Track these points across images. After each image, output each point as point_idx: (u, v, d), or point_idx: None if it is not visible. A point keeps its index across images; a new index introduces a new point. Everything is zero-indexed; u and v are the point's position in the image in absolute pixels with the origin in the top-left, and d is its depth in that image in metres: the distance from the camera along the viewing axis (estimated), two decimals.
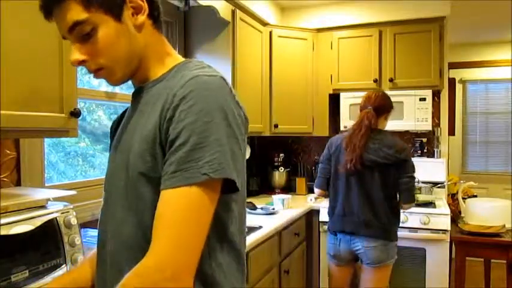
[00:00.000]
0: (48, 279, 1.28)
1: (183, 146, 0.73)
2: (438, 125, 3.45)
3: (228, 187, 0.78)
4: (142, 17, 0.86)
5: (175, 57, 0.93)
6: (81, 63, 0.85)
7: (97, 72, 0.86)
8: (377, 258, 2.28)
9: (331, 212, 2.47)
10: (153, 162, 0.78)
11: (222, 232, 0.84)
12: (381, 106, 2.39)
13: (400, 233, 2.77)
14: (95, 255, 0.97)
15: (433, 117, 3.25)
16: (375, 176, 2.29)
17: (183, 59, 0.93)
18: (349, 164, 2.29)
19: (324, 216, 3.02)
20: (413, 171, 2.31)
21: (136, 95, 0.92)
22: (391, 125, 3.16)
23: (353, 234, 2.32)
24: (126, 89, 2.40)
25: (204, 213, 0.74)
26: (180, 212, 0.72)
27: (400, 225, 2.79)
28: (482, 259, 3.48)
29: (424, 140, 3.44)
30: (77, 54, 0.83)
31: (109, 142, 1.03)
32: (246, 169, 0.87)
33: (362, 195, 2.31)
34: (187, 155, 0.73)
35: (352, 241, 2.33)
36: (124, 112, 1.02)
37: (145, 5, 0.86)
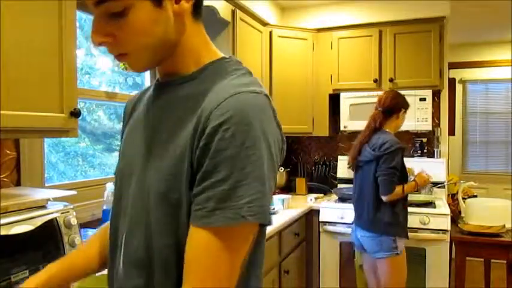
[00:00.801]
0: None
1: (224, 183, 0.67)
2: (438, 125, 3.45)
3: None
4: (186, 4, 0.75)
5: (212, 53, 0.82)
6: (102, 43, 0.74)
7: (119, 57, 0.76)
8: (371, 249, 2.46)
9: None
10: (174, 182, 0.72)
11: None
12: (389, 107, 2.51)
13: None
14: (104, 233, 0.93)
15: (433, 117, 3.25)
16: (363, 173, 2.51)
17: (219, 56, 0.83)
18: (349, 162, 2.61)
19: (324, 216, 3.03)
20: (389, 165, 2.37)
21: (162, 88, 0.83)
22: None
23: (356, 225, 2.57)
24: (126, 89, 2.40)
25: (238, 255, 0.70)
26: (216, 253, 0.68)
27: None
28: (482, 259, 3.47)
29: (424, 140, 3.44)
30: (99, 34, 0.72)
31: (121, 127, 0.95)
32: None
33: (356, 190, 2.58)
34: (227, 192, 0.67)
35: (356, 230, 2.57)
36: (141, 95, 0.93)
37: None
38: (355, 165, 2.56)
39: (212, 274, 0.68)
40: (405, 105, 2.55)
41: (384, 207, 2.41)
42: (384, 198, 2.39)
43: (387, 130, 2.50)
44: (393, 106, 2.51)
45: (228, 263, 0.69)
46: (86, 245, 1.02)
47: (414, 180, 2.55)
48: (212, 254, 0.68)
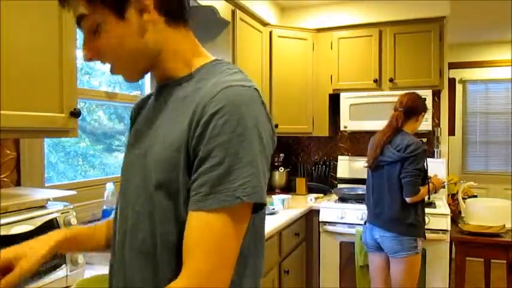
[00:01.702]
0: (48, 279, 1.28)
1: (217, 167, 0.71)
2: (438, 125, 3.45)
3: (254, 208, 0.76)
4: (148, 16, 0.79)
5: (203, 55, 0.87)
6: (92, 59, 0.83)
7: (111, 68, 0.85)
8: (391, 248, 2.43)
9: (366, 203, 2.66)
10: (172, 172, 0.76)
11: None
12: (410, 108, 2.52)
13: None
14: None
15: (433, 117, 3.25)
16: (385, 173, 2.47)
17: (211, 58, 0.87)
18: (369, 162, 2.55)
19: (324, 216, 3.03)
20: (415, 167, 2.39)
21: (162, 90, 0.88)
22: None
23: (372, 225, 2.53)
24: (126, 89, 2.40)
25: (236, 237, 0.73)
26: (214, 235, 0.71)
27: None
28: (482, 259, 3.47)
29: (424, 140, 3.43)
30: (86, 50, 0.82)
31: (129, 128, 1.01)
32: None
33: (374, 190, 2.54)
34: (221, 176, 0.70)
35: (372, 230, 2.54)
36: (146, 98, 0.99)
37: (150, 3, 0.79)
38: (375, 165, 2.51)
39: (212, 256, 0.71)
40: (425, 109, 2.59)
41: (407, 208, 2.41)
42: (408, 199, 2.39)
43: (407, 131, 2.51)
44: (415, 108, 2.52)
45: (227, 245, 0.72)
46: (96, 226, 1.07)
47: (431, 182, 2.56)
48: (211, 237, 0.71)
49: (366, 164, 2.59)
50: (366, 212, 2.63)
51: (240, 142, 0.71)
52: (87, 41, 0.81)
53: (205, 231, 0.71)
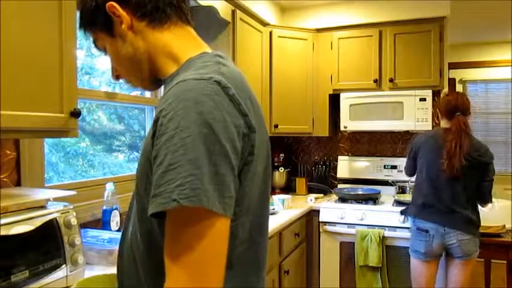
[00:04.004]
0: (48, 279, 1.28)
1: (160, 167, 0.66)
2: (438, 125, 3.44)
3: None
4: (124, 26, 0.84)
5: (190, 51, 0.86)
6: (118, 77, 0.94)
7: (125, 82, 0.95)
8: (469, 250, 2.42)
9: (421, 209, 2.51)
10: (146, 181, 0.74)
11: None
12: (467, 109, 2.57)
13: (401, 233, 2.78)
14: None
15: (433, 117, 3.25)
16: (463, 178, 2.42)
17: (199, 52, 0.85)
18: (456, 169, 2.40)
19: (324, 217, 3.03)
20: (493, 173, 2.53)
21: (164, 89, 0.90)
22: (391, 125, 3.17)
23: (445, 230, 2.42)
24: (126, 89, 2.40)
25: (184, 242, 0.64)
26: (168, 238, 0.67)
27: (401, 225, 2.80)
28: (482, 259, 3.47)
29: None
30: (112, 70, 0.94)
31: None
32: (260, 182, 0.80)
33: (448, 194, 2.43)
34: (161, 177, 0.65)
35: (445, 236, 2.43)
36: None
37: (122, 13, 0.83)
38: (458, 171, 2.40)
39: (171, 262, 0.66)
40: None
41: (476, 211, 2.47)
42: (484, 205, 2.48)
43: None
44: (469, 109, 2.58)
45: (175, 252, 0.65)
46: None
47: None
48: (167, 240, 0.67)
49: (443, 172, 2.44)
50: (410, 217, 2.59)
51: (182, 139, 0.65)
52: (111, 62, 0.93)
53: (152, 239, 0.74)
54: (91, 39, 0.92)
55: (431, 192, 2.47)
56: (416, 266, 2.54)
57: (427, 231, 2.46)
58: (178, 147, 0.65)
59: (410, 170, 2.72)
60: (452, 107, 2.53)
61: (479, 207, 2.52)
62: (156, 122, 0.70)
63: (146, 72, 0.88)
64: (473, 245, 2.43)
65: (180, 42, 0.87)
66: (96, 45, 0.92)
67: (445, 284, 2.56)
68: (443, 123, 2.58)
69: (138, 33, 0.85)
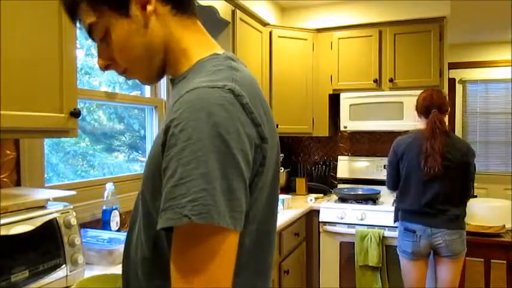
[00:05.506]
0: (48, 279, 1.28)
1: (170, 180, 0.63)
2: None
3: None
4: (150, 7, 0.75)
5: (203, 49, 0.80)
6: (107, 67, 0.81)
7: (125, 74, 0.82)
8: (458, 249, 2.41)
9: (407, 212, 2.49)
10: (152, 184, 0.72)
11: None
12: (444, 105, 2.48)
13: None
14: None
15: None
16: (448, 176, 2.39)
17: (212, 52, 0.80)
18: (436, 168, 2.36)
19: (323, 217, 3.03)
20: (475, 168, 2.50)
21: (172, 87, 0.83)
22: (391, 125, 3.17)
23: (431, 231, 2.40)
24: (126, 89, 2.40)
25: (195, 260, 0.62)
26: (175, 255, 0.64)
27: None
28: (482, 259, 3.47)
29: None
30: (100, 60, 0.80)
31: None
32: (269, 190, 0.77)
33: (441, 193, 2.40)
34: (171, 191, 0.62)
35: (432, 236, 2.41)
36: None
37: None
38: (440, 171, 2.36)
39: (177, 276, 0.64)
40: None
41: (462, 208, 2.47)
42: (467, 200, 2.48)
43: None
44: (446, 105, 2.51)
45: (184, 266, 0.62)
46: None
47: None
48: (175, 253, 0.64)
49: (425, 173, 2.41)
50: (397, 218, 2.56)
51: (193, 152, 0.62)
52: (101, 50, 0.80)
53: (158, 248, 0.71)
54: (90, 38, 0.82)
55: (415, 194, 2.44)
56: (406, 266, 2.54)
57: (414, 231, 2.45)
58: (190, 160, 0.61)
59: (394, 182, 2.59)
60: (428, 103, 2.46)
61: (467, 204, 2.51)
62: (166, 131, 0.65)
63: (156, 62, 0.80)
64: (461, 244, 2.42)
65: (194, 38, 0.81)
66: (91, 30, 0.78)
67: (435, 283, 2.56)
68: (422, 122, 2.52)
69: (159, 18, 0.76)
